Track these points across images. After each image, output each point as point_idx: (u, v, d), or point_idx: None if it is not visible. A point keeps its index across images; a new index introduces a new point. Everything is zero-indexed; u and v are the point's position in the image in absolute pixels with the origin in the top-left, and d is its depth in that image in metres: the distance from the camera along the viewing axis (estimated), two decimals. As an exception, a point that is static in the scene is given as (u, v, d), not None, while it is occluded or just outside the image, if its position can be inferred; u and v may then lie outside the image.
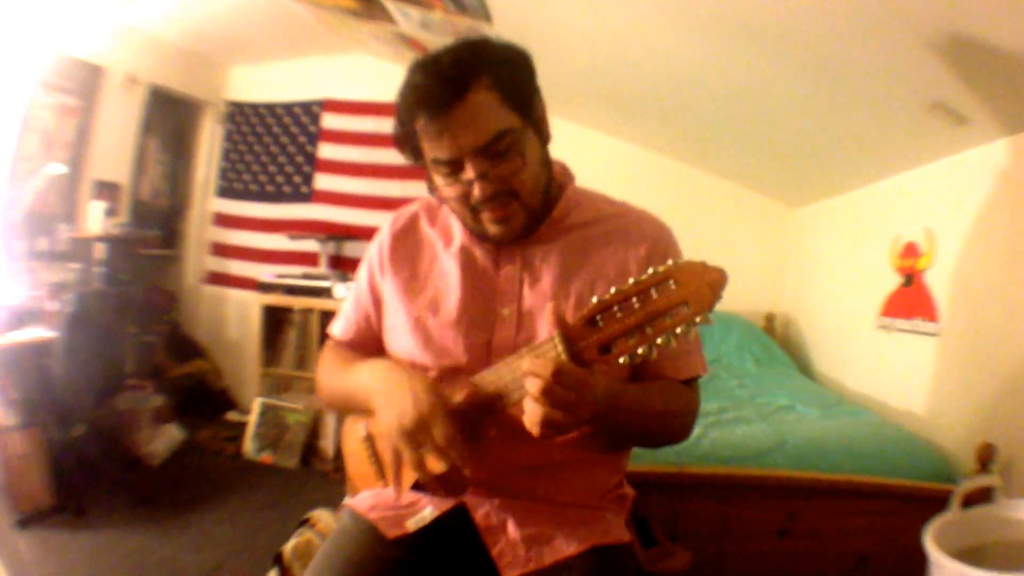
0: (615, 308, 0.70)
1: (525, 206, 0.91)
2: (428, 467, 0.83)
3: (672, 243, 1.00)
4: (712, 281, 0.66)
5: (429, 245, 1.04)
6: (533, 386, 0.72)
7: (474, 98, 0.84)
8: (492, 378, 0.83)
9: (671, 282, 0.67)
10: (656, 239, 0.98)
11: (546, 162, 0.96)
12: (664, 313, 0.67)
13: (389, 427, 0.85)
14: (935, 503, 1.60)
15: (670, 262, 0.68)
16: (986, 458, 1.68)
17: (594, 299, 0.71)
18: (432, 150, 0.88)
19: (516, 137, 0.87)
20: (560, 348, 0.73)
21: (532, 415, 0.74)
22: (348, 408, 1.06)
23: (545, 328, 0.93)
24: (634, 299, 0.69)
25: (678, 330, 0.66)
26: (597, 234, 0.99)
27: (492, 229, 0.92)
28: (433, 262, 1.02)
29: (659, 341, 0.67)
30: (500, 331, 0.95)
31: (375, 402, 0.89)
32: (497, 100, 0.86)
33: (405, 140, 0.92)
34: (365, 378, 0.95)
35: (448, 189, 0.91)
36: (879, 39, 1.61)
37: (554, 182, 1.00)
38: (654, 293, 0.68)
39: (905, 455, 1.83)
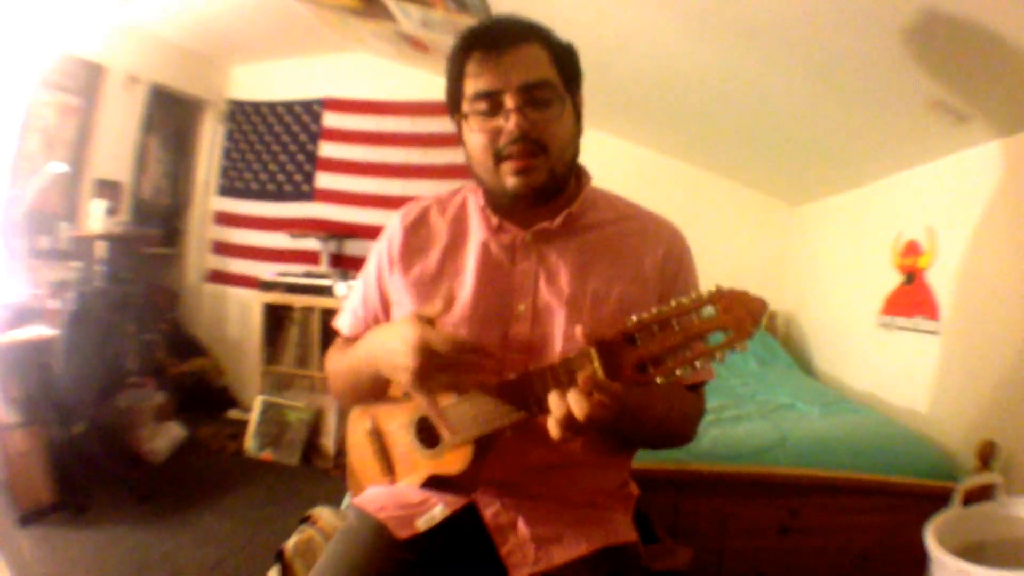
0: (655, 327, 0.70)
1: (549, 164, 0.92)
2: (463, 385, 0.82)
3: (686, 249, 1.02)
4: (754, 311, 0.67)
5: (441, 238, 1.02)
6: (577, 406, 0.71)
7: (528, 48, 0.90)
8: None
9: (712, 307, 0.67)
10: (672, 243, 1.00)
11: (575, 143, 0.98)
12: (702, 337, 0.68)
13: (399, 378, 0.84)
14: (936, 500, 1.60)
15: (713, 287, 0.68)
16: (987, 456, 1.68)
17: (633, 317, 0.70)
18: (476, 84, 0.90)
19: (559, 94, 0.92)
20: (596, 364, 0.72)
21: (557, 414, 0.74)
22: (357, 387, 1.03)
23: (559, 325, 0.93)
24: (674, 321, 0.69)
25: (717, 356, 0.67)
26: (614, 234, 0.99)
27: (511, 181, 0.91)
28: (445, 255, 1.01)
29: (697, 364, 0.68)
30: (515, 326, 0.94)
31: (380, 363, 0.88)
32: (548, 58, 0.92)
33: (451, 88, 0.95)
34: (364, 347, 0.96)
35: (478, 135, 0.92)
36: (879, 37, 1.61)
37: (581, 172, 1.03)
38: (695, 317, 0.68)
39: (906, 453, 1.83)
